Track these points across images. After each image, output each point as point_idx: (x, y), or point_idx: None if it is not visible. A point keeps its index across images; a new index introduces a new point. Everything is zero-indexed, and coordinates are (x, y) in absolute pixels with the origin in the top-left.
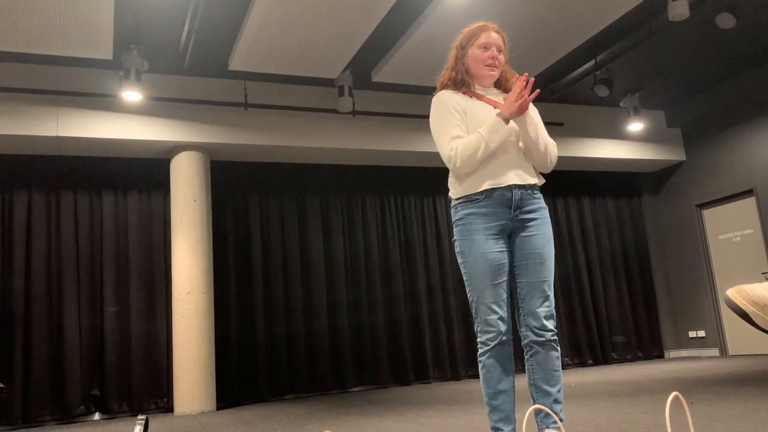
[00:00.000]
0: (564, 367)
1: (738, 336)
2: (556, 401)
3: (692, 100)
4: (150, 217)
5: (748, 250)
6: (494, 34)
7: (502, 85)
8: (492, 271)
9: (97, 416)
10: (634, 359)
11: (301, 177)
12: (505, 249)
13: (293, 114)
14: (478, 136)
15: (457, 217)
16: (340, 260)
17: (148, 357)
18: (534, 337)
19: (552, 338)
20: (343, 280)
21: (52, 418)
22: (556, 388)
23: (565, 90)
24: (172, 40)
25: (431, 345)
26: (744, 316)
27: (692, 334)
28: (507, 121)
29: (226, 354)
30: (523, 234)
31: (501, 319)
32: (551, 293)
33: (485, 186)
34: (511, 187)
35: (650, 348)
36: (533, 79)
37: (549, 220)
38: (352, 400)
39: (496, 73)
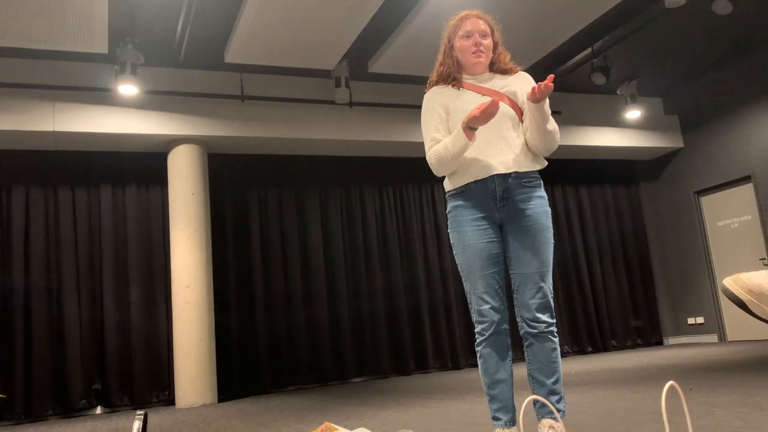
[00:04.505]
0: (564, 355)
1: (737, 322)
2: (552, 392)
3: (689, 87)
4: (148, 211)
5: (746, 237)
6: (476, 20)
7: (496, 67)
8: (481, 261)
9: (99, 410)
10: (634, 346)
11: (299, 168)
12: (495, 239)
13: (290, 105)
14: (444, 144)
15: (448, 209)
16: (339, 251)
17: (148, 350)
18: (528, 329)
19: (546, 330)
20: (342, 271)
21: (54, 413)
22: (552, 380)
23: (562, 78)
24: (168, 33)
25: (431, 335)
26: (740, 304)
27: (691, 320)
28: (471, 128)
29: (227, 346)
30: (513, 225)
31: (493, 308)
32: (546, 284)
33: (467, 179)
34: (493, 178)
35: (649, 335)
36: (497, 100)
37: (544, 209)
38: (353, 390)
39: (483, 59)
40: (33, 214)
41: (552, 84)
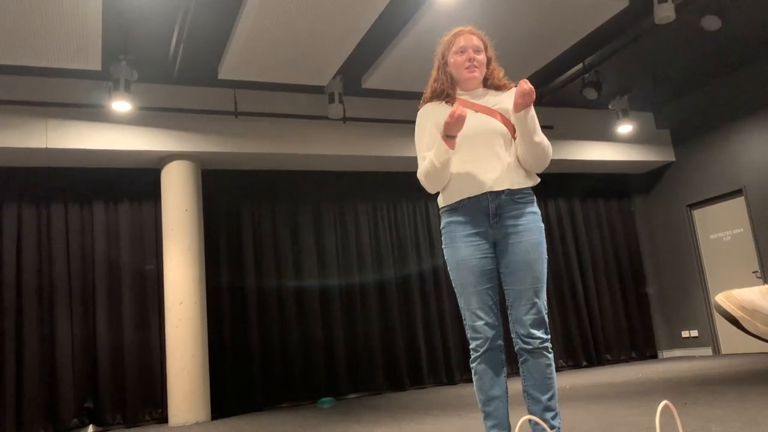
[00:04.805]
0: (558, 369)
1: (731, 335)
2: (547, 409)
3: (680, 102)
4: (141, 227)
5: (738, 249)
6: (469, 36)
7: (490, 83)
8: (475, 277)
9: (91, 429)
10: (628, 360)
11: (293, 184)
12: (489, 255)
13: (284, 121)
14: (429, 158)
15: (441, 225)
16: (333, 267)
17: (141, 368)
18: (522, 345)
19: (540, 346)
20: (336, 286)
21: None
22: (547, 396)
23: (554, 93)
24: (161, 49)
25: (426, 350)
26: (733, 321)
27: (685, 333)
28: (451, 138)
29: (221, 363)
30: (506, 241)
31: (487, 324)
32: (540, 300)
33: (460, 196)
34: (486, 195)
35: (644, 348)
36: (463, 110)
37: (537, 225)
38: (348, 407)
39: (477, 74)
40: (25, 230)
41: (532, 91)
